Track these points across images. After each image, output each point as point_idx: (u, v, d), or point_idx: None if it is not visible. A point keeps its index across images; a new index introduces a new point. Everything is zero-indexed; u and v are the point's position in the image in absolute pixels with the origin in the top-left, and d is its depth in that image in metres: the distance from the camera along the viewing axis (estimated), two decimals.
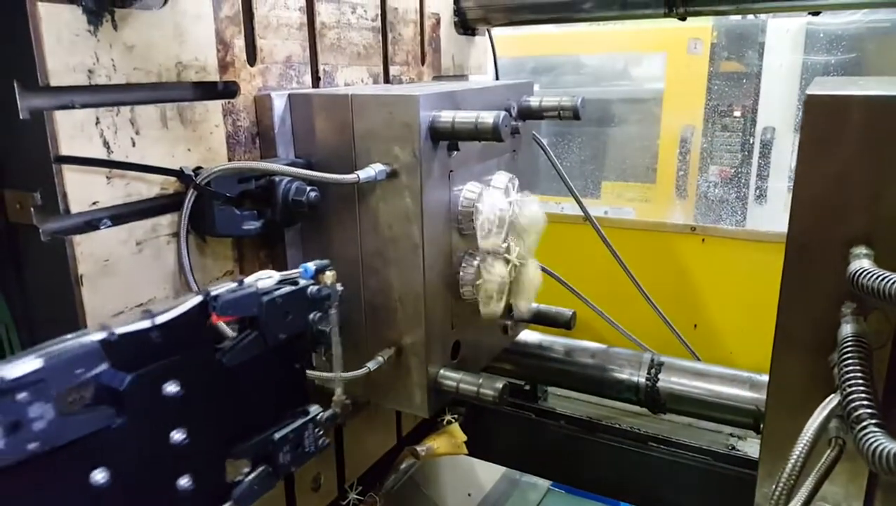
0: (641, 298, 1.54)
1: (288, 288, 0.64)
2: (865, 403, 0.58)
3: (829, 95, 0.69)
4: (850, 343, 0.63)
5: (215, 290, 0.58)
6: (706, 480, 1.39)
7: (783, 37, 2.28)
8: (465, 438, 1.50)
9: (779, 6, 1.20)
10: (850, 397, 0.58)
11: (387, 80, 1.31)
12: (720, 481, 1.37)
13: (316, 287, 0.68)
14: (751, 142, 2.40)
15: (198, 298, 0.56)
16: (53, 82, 0.79)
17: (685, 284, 1.81)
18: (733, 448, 1.42)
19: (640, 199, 2.63)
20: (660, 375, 1.38)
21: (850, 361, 0.61)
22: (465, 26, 1.51)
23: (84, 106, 0.83)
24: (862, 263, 0.65)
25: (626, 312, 1.61)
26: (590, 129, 2.71)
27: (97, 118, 0.84)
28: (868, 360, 0.63)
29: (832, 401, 0.62)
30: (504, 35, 2.63)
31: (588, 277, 1.65)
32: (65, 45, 0.80)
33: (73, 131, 0.81)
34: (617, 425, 1.48)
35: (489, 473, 1.75)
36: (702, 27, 2.44)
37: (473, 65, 1.57)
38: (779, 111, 2.34)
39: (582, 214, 1.54)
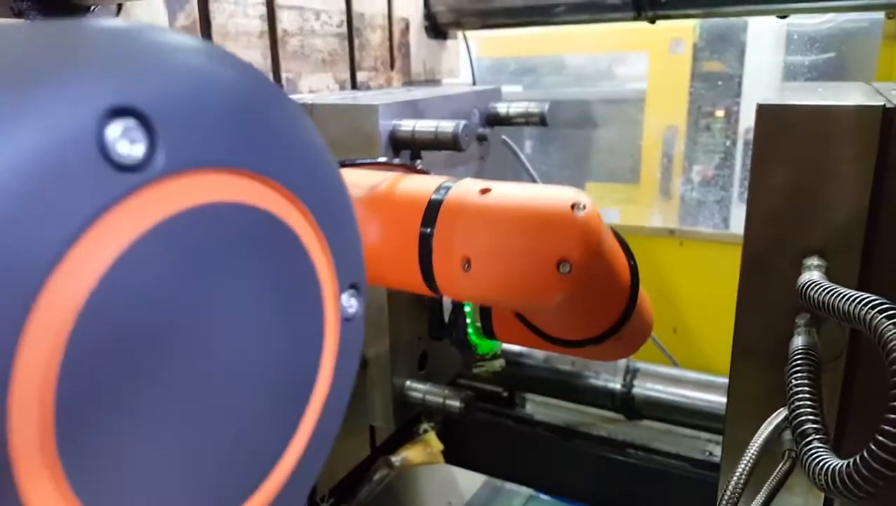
0: None
1: None
2: (811, 417, 0.57)
3: (778, 105, 0.68)
4: (798, 357, 0.62)
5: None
6: (683, 486, 1.38)
7: (764, 37, 2.28)
8: (441, 446, 1.48)
9: (746, 10, 1.20)
10: (796, 412, 0.57)
11: (354, 87, 1.30)
12: (697, 487, 1.36)
13: None
14: (730, 144, 2.40)
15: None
16: None
17: (664, 287, 1.80)
18: (710, 454, 1.41)
19: (625, 200, 2.62)
20: (635, 382, 1.37)
21: (796, 374, 0.60)
22: (437, 30, 1.50)
23: None
24: (812, 275, 0.64)
25: None
26: (572, 129, 2.70)
27: None
28: (816, 373, 0.62)
29: (779, 415, 0.61)
30: (484, 36, 2.62)
31: None
32: None
33: None
34: (594, 432, 1.47)
35: (470, 480, 1.74)
36: (684, 27, 2.43)
37: (446, 69, 1.56)
38: None
39: None
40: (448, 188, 0.72)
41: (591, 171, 2.72)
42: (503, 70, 2.79)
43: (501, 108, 1.21)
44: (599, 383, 1.40)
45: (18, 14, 0.81)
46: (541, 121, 1.18)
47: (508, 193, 0.70)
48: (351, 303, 0.32)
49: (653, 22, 1.33)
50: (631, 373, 1.38)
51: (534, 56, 2.75)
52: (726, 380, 1.33)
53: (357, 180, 0.78)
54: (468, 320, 1.03)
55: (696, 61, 2.43)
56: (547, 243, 0.65)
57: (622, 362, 1.41)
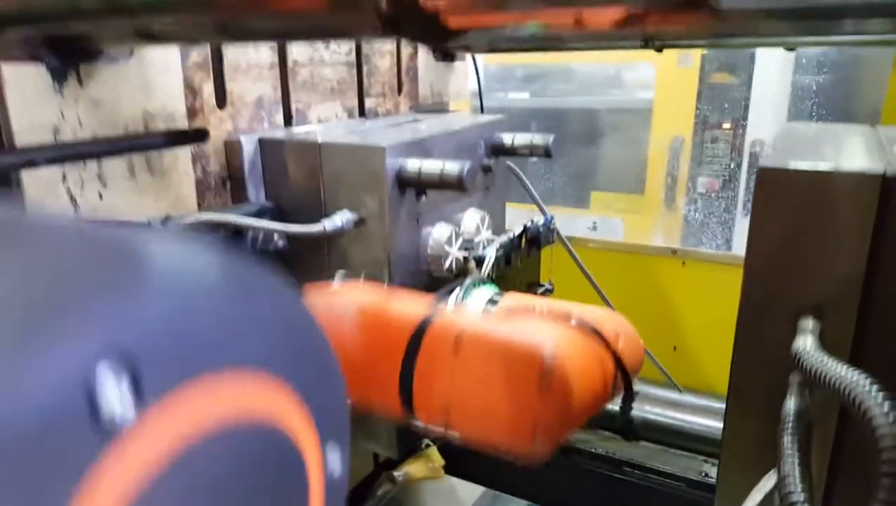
0: None
1: None
2: (799, 486, 0.59)
3: (779, 169, 0.70)
4: (789, 421, 0.64)
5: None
6: (678, 505, 1.41)
7: (773, 52, 2.27)
8: (442, 462, 1.52)
9: (752, 42, 1.20)
10: (784, 482, 0.59)
11: (362, 114, 1.31)
12: None
13: None
14: (735, 166, 2.40)
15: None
16: (19, 142, 0.79)
17: (666, 306, 1.82)
18: (706, 475, 1.44)
19: (629, 210, 2.63)
20: (634, 404, 1.39)
21: (786, 440, 0.62)
22: (445, 54, 1.51)
23: (50, 163, 0.84)
24: (806, 341, 0.66)
25: None
26: (579, 137, 2.71)
27: (63, 175, 0.85)
28: (807, 437, 0.64)
29: (770, 479, 0.64)
30: None
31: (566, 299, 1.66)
32: (30, 105, 0.80)
33: (40, 190, 0.82)
34: (592, 449, 1.50)
35: (470, 491, 1.78)
36: None
37: (453, 91, 1.57)
38: (768, 125, 2.34)
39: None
40: (426, 327, 0.71)
41: (596, 180, 2.73)
42: (510, 77, 2.79)
43: (507, 138, 1.22)
44: None
45: (35, 58, 0.82)
46: (545, 153, 1.19)
47: (480, 350, 0.69)
48: (334, 467, 0.33)
49: (660, 51, 1.33)
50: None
51: (541, 63, 2.75)
52: (723, 405, 1.35)
53: (348, 299, 0.79)
54: None
55: (704, 73, 2.43)
56: (521, 415, 0.67)
57: None
